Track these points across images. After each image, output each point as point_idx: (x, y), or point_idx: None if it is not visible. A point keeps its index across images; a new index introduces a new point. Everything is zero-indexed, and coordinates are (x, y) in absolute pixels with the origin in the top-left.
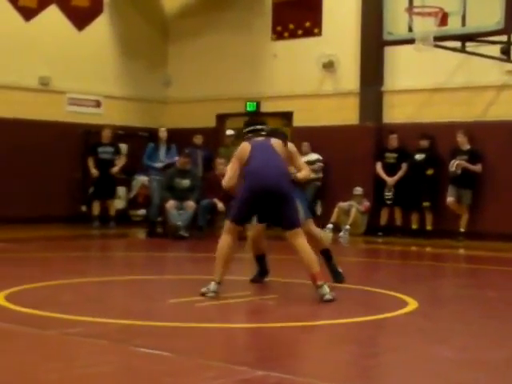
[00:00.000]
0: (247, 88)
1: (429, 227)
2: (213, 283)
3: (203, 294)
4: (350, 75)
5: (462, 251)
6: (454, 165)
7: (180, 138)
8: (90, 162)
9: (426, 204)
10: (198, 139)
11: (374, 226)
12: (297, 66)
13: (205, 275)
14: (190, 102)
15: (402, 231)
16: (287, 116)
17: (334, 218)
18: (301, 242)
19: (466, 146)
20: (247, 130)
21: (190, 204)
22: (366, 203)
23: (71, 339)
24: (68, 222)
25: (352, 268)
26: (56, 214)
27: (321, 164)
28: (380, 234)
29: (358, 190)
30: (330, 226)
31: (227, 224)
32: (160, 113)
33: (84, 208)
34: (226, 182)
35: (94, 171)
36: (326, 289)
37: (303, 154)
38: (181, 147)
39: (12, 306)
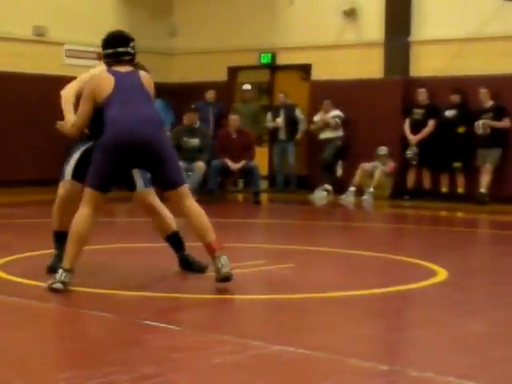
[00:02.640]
0: (261, 38)
1: (460, 190)
2: (60, 271)
3: (50, 288)
4: (373, 24)
5: (497, 217)
6: (480, 126)
7: (188, 93)
8: None
9: (456, 165)
10: (210, 94)
11: (401, 189)
12: (315, 13)
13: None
14: (199, 54)
15: (431, 195)
16: (305, 69)
17: (356, 180)
18: (191, 203)
19: (489, 103)
20: (108, 51)
21: (200, 165)
22: (391, 164)
23: (73, 312)
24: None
25: (376, 234)
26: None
27: (338, 120)
28: (407, 197)
29: (383, 150)
30: (352, 188)
31: (86, 193)
32: (166, 66)
33: None
34: (73, 124)
35: None
36: (226, 260)
37: (325, 111)
38: (189, 103)
39: (7, 276)
